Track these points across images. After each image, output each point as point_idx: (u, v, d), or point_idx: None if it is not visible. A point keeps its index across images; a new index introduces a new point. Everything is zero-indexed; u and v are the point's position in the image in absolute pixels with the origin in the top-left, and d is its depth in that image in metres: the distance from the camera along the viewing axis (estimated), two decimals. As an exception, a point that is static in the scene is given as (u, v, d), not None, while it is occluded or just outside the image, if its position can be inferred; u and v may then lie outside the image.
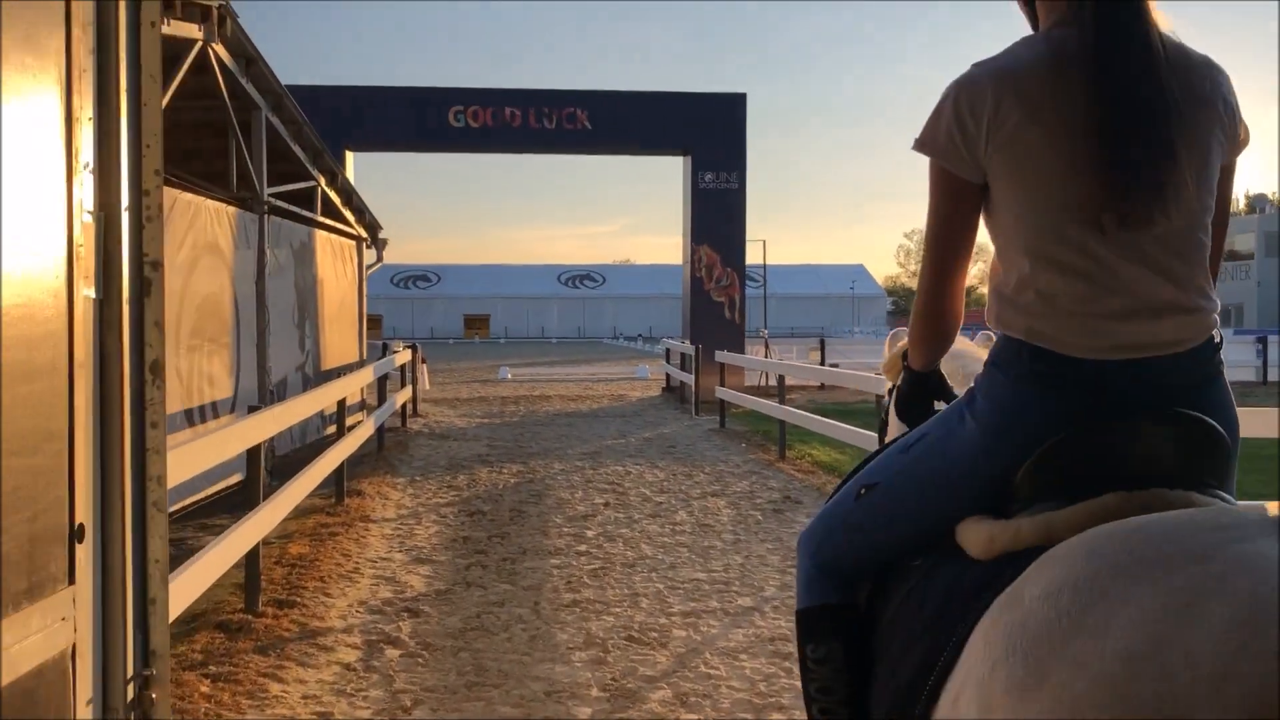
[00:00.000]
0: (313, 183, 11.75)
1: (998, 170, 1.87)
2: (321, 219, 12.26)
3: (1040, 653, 1.38)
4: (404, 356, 14.77)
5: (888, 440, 2.55)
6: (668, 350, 23.03)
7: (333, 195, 12.54)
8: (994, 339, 2.00)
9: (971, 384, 2.02)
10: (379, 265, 15.39)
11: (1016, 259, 1.88)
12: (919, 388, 2.36)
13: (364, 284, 14.91)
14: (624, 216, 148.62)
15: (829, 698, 2.11)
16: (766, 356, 22.33)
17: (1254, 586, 1.23)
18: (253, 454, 5.83)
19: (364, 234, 14.67)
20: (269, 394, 10.11)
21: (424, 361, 24.53)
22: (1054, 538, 1.67)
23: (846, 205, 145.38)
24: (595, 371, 31.81)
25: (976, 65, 1.90)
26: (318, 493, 9.39)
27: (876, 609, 2.08)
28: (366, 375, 10.69)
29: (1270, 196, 48.84)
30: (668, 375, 22.64)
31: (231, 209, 9.29)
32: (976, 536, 1.86)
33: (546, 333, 77.29)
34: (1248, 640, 1.17)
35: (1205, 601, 1.24)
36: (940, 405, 2.34)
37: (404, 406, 15.27)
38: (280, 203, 10.63)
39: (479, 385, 25.96)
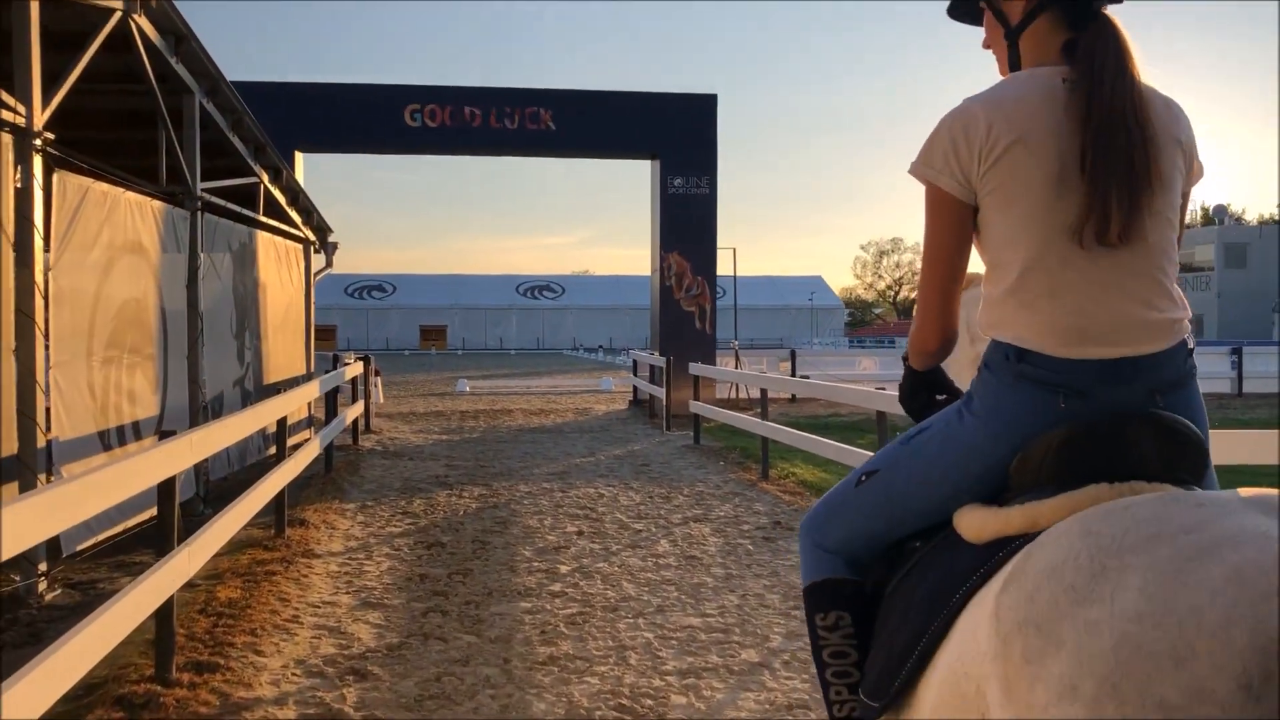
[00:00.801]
0: (254, 179, 10.71)
1: (990, 190, 2.04)
2: (264, 219, 11.20)
3: (1052, 623, 1.52)
4: (355, 369, 13.70)
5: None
6: (635, 362, 22.12)
7: (277, 193, 11.48)
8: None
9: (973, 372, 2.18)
10: (328, 271, 14.31)
11: (1005, 272, 2.06)
12: (919, 383, 2.44)
13: (311, 290, 13.82)
14: (583, 228, 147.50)
15: (841, 661, 2.27)
16: (738, 368, 21.49)
17: (1241, 549, 1.41)
18: (165, 489, 4.83)
19: (312, 237, 13.59)
20: (202, 411, 9.06)
21: (377, 374, 23.45)
22: (1040, 525, 1.86)
23: (800, 216, 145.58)
24: (557, 384, 30.81)
25: (969, 99, 2.08)
26: (256, 523, 8.37)
27: (880, 585, 2.26)
28: (312, 390, 9.66)
29: (1229, 208, 48.96)
30: (635, 388, 21.74)
31: (158, 204, 8.25)
32: (970, 522, 2.03)
33: (505, 344, 76.08)
34: (1244, 592, 1.34)
35: (1200, 564, 1.42)
36: (940, 397, 2.45)
37: (355, 423, 14.22)
38: (216, 199, 9.59)
39: (436, 399, 24.88)
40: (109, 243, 7.33)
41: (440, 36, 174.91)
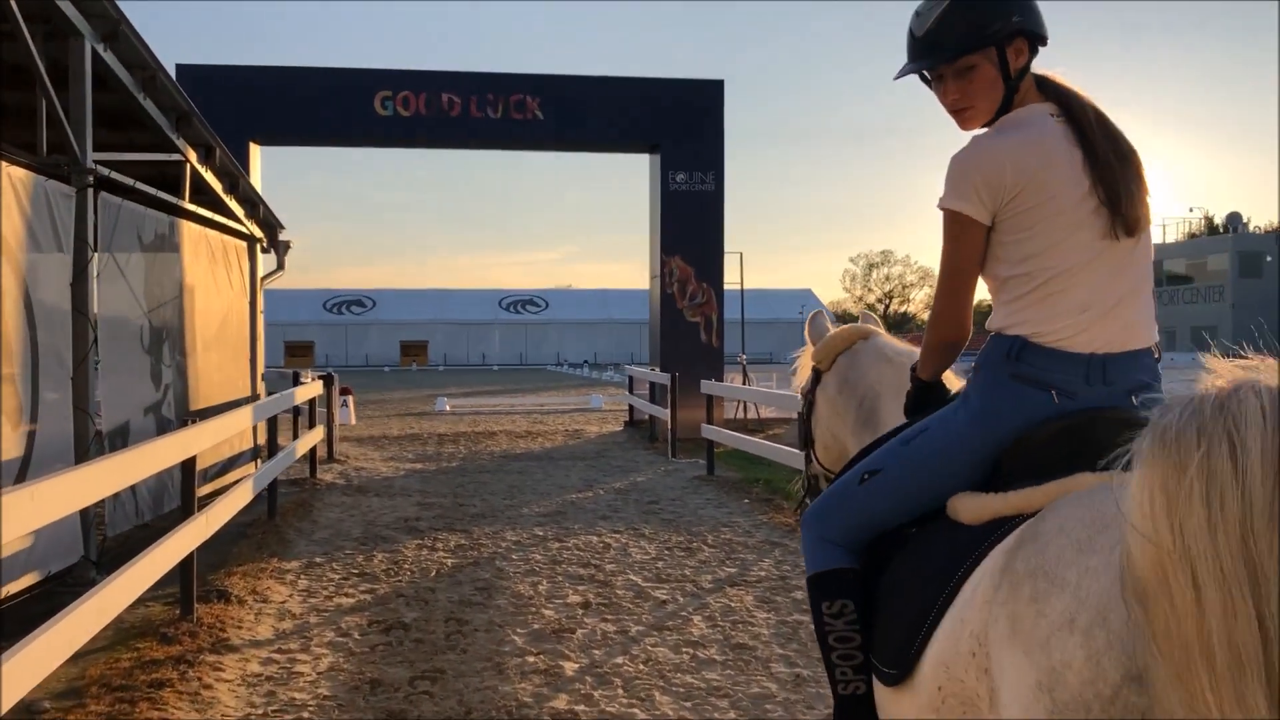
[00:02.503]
0: (177, 156, 8.65)
1: (1014, 214, 2.32)
2: (191, 207, 9.11)
3: (1059, 569, 1.78)
4: (311, 389, 11.60)
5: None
6: (631, 379, 20.08)
7: (209, 177, 9.40)
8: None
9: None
10: (280, 274, 12.21)
11: (1027, 280, 2.33)
12: (926, 396, 2.64)
13: (258, 296, 11.69)
14: (566, 244, 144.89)
15: (846, 645, 2.46)
16: (745, 385, 19.48)
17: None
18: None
19: (258, 233, 11.47)
20: (96, 445, 6.99)
21: (346, 393, 21.36)
22: (1034, 506, 2.09)
23: (791, 230, 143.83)
24: (543, 402, 28.71)
25: (985, 138, 2.39)
26: (160, 597, 6.34)
27: (877, 570, 2.48)
28: (240, 419, 7.57)
29: (1245, 217, 47.35)
30: (631, 407, 19.69)
31: (21, 173, 6.18)
32: (969, 506, 2.27)
33: (487, 360, 73.86)
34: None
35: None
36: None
37: (313, 453, 12.11)
38: (122, 178, 7.53)
39: (413, 419, 22.76)
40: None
41: (416, 16, 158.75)
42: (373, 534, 9.10)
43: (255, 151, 16.68)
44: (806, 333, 3.54)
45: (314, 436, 11.55)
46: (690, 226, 17.33)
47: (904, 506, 2.44)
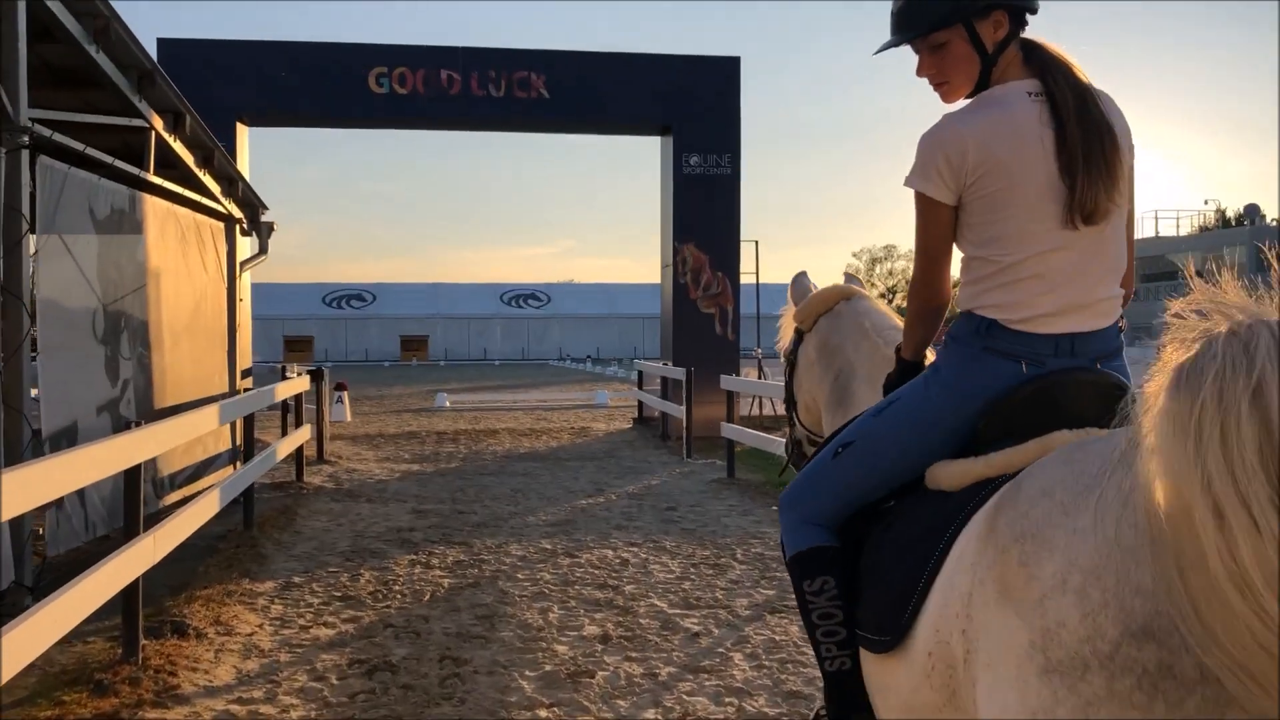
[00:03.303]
0: (139, 122, 7.64)
1: (978, 195, 2.31)
2: (157, 180, 8.08)
3: (1046, 532, 1.78)
4: (295, 386, 10.56)
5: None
6: (641, 374, 19.06)
7: (177, 147, 8.36)
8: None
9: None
10: (262, 259, 11.18)
11: (991, 261, 2.34)
12: (909, 376, 2.59)
13: (236, 282, 10.63)
14: (566, 238, 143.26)
15: (830, 621, 2.46)
16: (760, 379, 18.47)
17: None
18: None
19: (237, 212, 10.43)
20: (32, 448, 5.99)
21: (342, 389, 20.39)
22: (1015, 466, 2.11)
23: (793, 224, 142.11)
24: (546, 398, 27.68)
25: (954, 117, 2.35)
26: (104, 630, 5.37)
27: (857, 546, 2.48)
28: (202, 421, 6.51)
29: (1263, 209, 46.19)
30: (640, 404, 18.68)
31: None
32: (950, 472, 2.28)
33: (489, 354, 72.85)
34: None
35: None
36: None
37: (300, 454, 11.10)
38: (66, 140, 6.51)
39: (411, 416, 21.75)
40: None
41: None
42: (361, 547, 8.11)
43: (242, 132, 15.64)
44: (790, 293, 3.55)
45: (300, 436, 10.54)
46: (705, 212, 16.29)
47: (879, 478, 2.46)
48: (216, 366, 10.11)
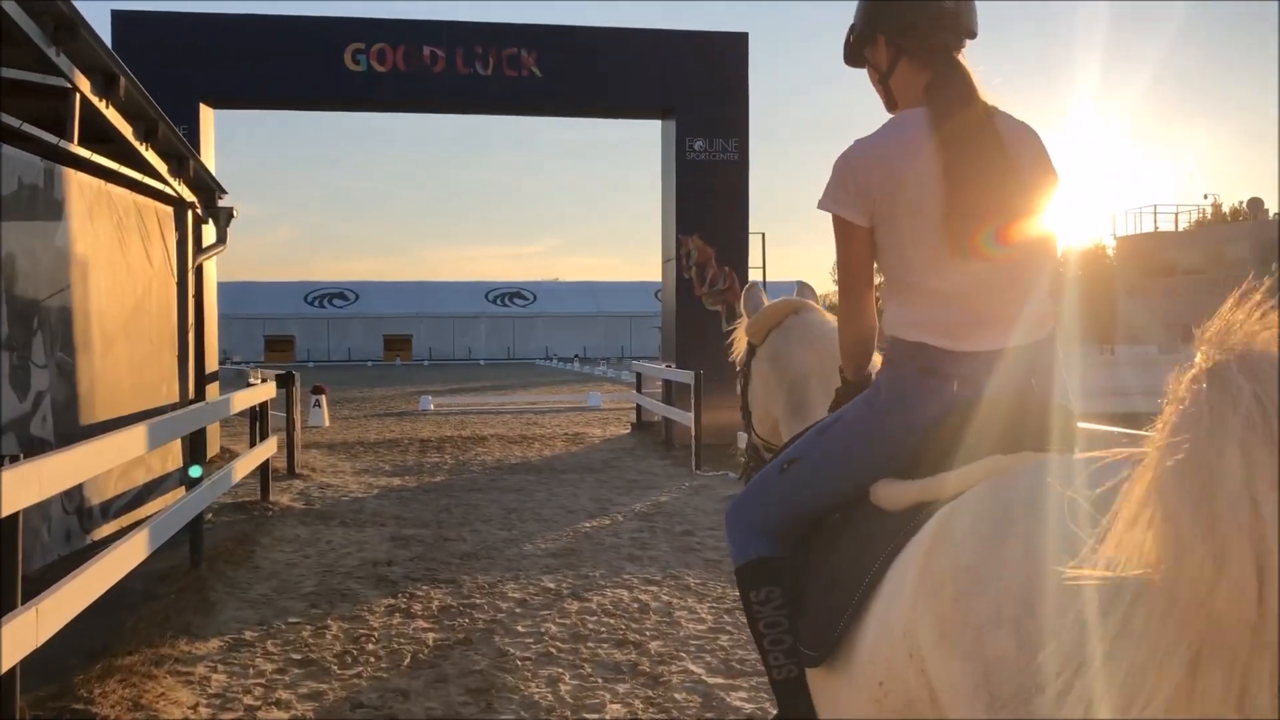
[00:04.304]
0: (58, 79, 6.34)
1: (883, 219, 2.35)
2: (81, 151, 6.76)
3: (976, 568, 1.80)
4: (259, 393, 9.24)
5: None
6: (639, 376, 17.81)
7: (110, 114, 7.03)
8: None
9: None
10: (220, 249, 9.88)
11: (904, 285, 2.39)
12: (854, 393, 2.61)
13: (189, 275, 9.29)
14: (551, 237, 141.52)
15: (775, 630, 2.47)
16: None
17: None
18: None
19: (188, 195, 9.10)
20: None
21: (320, 392, 19.10)
22: (948, 491, 2.10)
23: (781, 220, 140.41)
24: (536, 400, 26.39)
25: (860, 141, 2.40)
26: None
27: (801, 556, 2.50)
28: (129, 442, 5.16)
29: (1266, 204, 45.12)
30: (639, 408, 17.43)
31: None
32: (889, 493, 2.29)
33: (474, 354, 71.50)
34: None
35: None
36: None
37: (265, 469, 9.80)
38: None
39: (394, 420, 20.44)
40: None
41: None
42: (329, 588, 6.85)
43: (207, 115, 14.34)
44: (742, 305, 3.62)
45: (264, 451, 9.24)
46: (711, 202, 15.05)
47: (824, 494, 2.47)
48: (163, 373, 8.78)
